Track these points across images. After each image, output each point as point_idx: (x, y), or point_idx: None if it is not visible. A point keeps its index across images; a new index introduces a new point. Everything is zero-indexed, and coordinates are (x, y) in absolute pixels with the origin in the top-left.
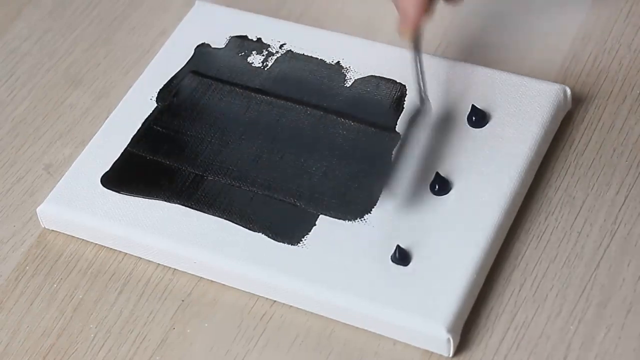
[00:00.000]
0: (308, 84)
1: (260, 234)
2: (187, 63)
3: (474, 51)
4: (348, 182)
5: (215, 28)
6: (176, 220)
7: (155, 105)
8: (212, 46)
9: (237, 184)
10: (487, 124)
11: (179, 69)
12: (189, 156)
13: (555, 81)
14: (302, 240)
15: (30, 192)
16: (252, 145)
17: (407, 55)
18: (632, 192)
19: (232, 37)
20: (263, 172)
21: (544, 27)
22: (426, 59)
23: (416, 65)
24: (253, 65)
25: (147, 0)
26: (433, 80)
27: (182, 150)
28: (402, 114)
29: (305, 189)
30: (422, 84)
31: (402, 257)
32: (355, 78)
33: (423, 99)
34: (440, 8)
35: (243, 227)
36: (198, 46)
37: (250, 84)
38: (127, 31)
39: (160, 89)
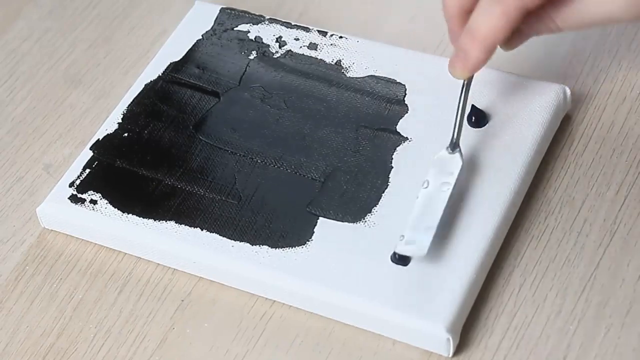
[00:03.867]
0: (307, 84)
1: (264, 246)
2: (182, 57)
3: None
4: (348, 183)
5: (214, 28)
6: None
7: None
8: (211, 46)
9: (237, 192)
10: (487, 124)
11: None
12: (171, 167)
13: (555, 81)
14: (305, 244)
15: (30, 192)
16: (250, 148)
17: (406, 55)
18: (632, 192)
19: (231, 37)
20: (264, 178)
21: None
22: (426, 59)
23: (460, 108)
24: (252, 65)
25: (147, 0)
26: (433, 80)
27: (162, 162)
28: (402, 117)
29: (305, 191)
30: (458, 129)
31: (402, 257)
32: (355, 78)
33: (455, 145)
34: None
35: (245, 242)
36: (196, 43)
37: (250, 84)
38: (127, 31)
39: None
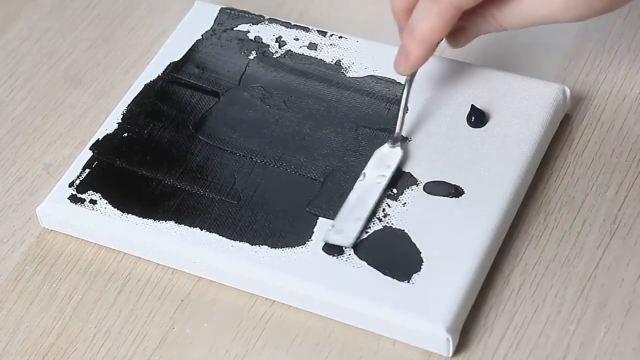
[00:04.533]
0: (307, 84)
1: (264, 246)
2: (182, 57)
3: (474, 51)
4: (348, 183)
5: (214, 28)
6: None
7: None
8: (211, 46)
9: (236, 191)
10: (487, 124)
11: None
12: (170, 167)
13: (555, 81)
14: (305, 244)
15: (29, 192)
16: (250, 148)
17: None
18: (632, 192)
19: (231, 37)
20: (264, 178)
21: (543, 27)
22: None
23: (403, 103)
24: (252, 65)
25: (147, 0)
26: (433, 80)
27: (162, 161)
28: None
29: (305, 191)
30: (401, 123)
31: (330, 245)
32: (355, 78)
33: (397, 139)
34: None
35: (245, 242)
36: (196, 43)
37: (250, 84)
38: (127, 31)
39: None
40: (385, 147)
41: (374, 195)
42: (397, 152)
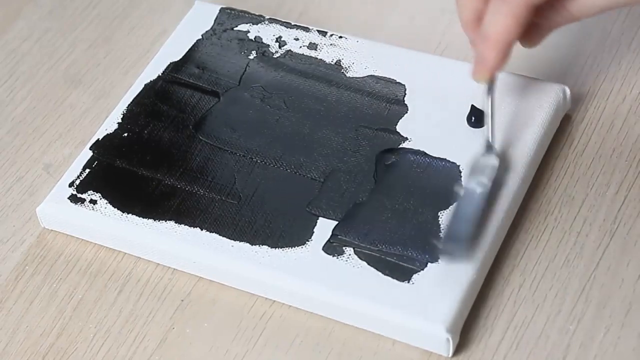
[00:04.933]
0: (307, 84)
1: (264, 246)
2: (182, 57)
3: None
4: (348, 183)
5: (214, 28)
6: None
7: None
8: (211, 46)
9: (236, 191)
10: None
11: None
12: (170, 167)
13: (555, 81)
14: (305, 244)
15: (29, 191)
16: (250, 148)
17: (406, 55)
18: (632, 192)
19: (231, 37)
20: (264, 178)
21: None
22: (426, 59)
23: (488, 110)
24: (252, 65)
25: (147, 0)
26: (433, 80)
27: (162, 161)
28: (402, 118)
29: (305, 191)
30: (491, 131)
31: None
32: (355, 78)
33: (489, 147)
34: (442, 5)
35: (245, 242)
36: (196, 43)
37: (250, 84)
38: (127, 31)
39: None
40: (479, 157)
41: (475, 205)
42: (493, 161)
